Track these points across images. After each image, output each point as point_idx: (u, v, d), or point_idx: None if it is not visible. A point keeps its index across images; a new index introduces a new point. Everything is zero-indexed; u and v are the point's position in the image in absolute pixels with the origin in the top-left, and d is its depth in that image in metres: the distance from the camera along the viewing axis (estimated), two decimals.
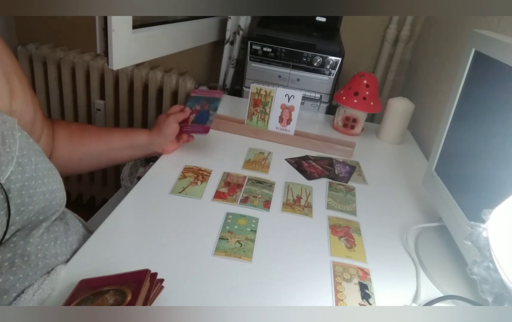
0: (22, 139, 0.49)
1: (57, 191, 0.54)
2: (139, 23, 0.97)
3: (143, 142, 0.82)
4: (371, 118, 1.47)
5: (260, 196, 0.77)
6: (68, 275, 0.53)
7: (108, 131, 0.80)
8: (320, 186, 0.84)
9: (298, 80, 1.20)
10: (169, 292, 0.53)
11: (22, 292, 0.48)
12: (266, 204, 0.75)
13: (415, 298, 0.59)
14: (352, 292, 0.58)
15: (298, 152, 0.98)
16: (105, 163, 0.81)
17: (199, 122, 0.85)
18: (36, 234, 0.50)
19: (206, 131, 0.83)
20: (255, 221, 0.70)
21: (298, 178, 0.86)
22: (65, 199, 0.56)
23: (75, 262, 0.56)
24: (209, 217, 0.69)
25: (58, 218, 0.57)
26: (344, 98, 1.08)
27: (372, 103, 1.07)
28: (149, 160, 1.35)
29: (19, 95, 0.54)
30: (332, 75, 1.18)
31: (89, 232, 0.65)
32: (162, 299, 0.52)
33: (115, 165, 0.83)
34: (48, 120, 0.69)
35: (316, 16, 1.29)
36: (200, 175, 0.81)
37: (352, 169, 0.93)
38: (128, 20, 0.89)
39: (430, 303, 0.57)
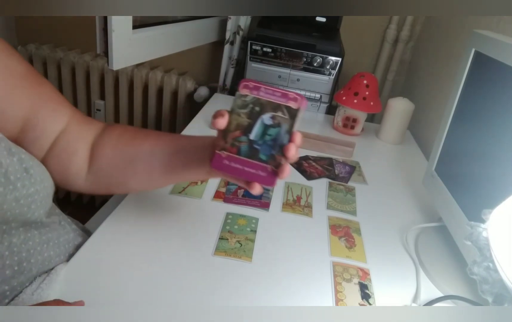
0: None
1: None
2: (139, 23, 0.97)
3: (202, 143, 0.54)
4: (371, 118, 1.47)
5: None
6: (68, 275, 0.53)
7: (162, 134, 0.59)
8: (320, 186, 0.84)
9: (298, 80, 1.20)
10: (169, 292, 0.53)
11: (20, 292, 0.48)
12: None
13: (415, 298, 0.59)
14: (352, 292, 0.58)
15: (298, 152, 0.97)
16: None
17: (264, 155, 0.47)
18: (32, 236, 0.49)
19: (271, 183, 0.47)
20: (255, 221, 0.70)
21: (298, 178, 0.86)
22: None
23: (75, 262, 0.56)
24: (209, 217, 0.69)
25: (52, 222, 0.55)
26: (344, 98, 1.08)
27: (372, 103, 1.07)
28: None
29: None
30: (332, 75, 1.18)
31: (85, 232, 0.64)
32: (162, 299, 0.52)
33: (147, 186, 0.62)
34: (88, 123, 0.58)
35: (316, 16, 1.29)
36: None
37: (352, 169, 0.93)
38: (128, 20, 0.89)
39: (430, 303, 0.57)
